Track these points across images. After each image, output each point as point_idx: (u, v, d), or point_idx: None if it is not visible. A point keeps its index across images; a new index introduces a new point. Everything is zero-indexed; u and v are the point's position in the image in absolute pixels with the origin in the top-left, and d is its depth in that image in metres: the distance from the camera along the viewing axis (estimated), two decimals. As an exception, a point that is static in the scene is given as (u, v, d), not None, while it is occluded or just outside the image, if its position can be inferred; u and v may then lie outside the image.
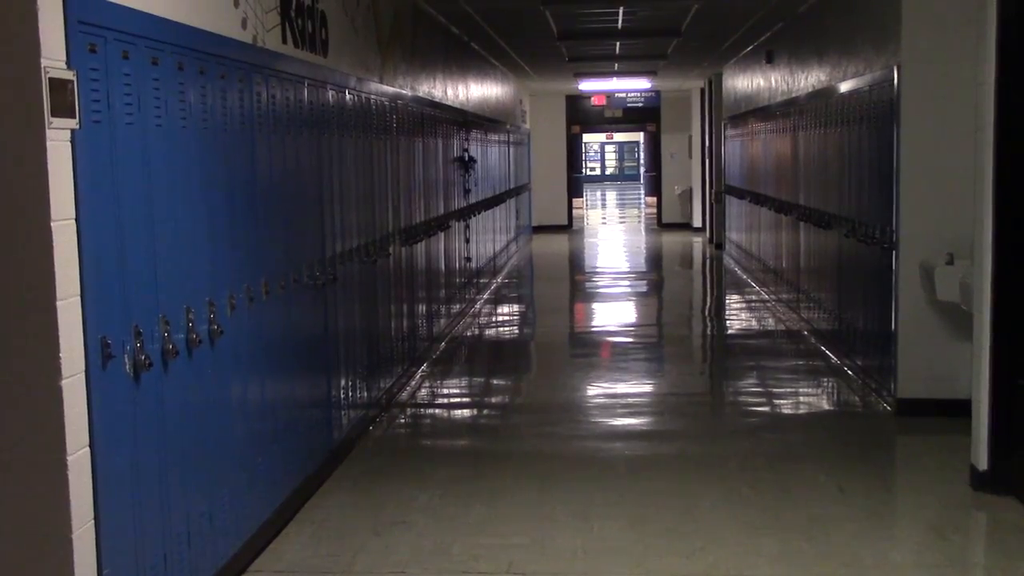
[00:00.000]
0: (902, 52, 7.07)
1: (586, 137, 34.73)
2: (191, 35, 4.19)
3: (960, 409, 5.95)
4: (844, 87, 8.64)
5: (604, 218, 30.49)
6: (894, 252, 7.21)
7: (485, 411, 8.08)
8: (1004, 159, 5.39)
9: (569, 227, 24.32)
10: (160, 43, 3.89)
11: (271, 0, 5.25)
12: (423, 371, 8.90)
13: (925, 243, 7.03)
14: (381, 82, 7.68)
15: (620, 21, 11.39)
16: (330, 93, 6.13)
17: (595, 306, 13.68)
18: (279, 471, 5.19)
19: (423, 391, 8.40)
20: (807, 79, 10.40)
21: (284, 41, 5.44)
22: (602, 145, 50.92)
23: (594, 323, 12.46)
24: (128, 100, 3.65)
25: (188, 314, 4.08)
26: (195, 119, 4.19)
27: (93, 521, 3.44)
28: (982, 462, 5.53)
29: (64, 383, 3.28)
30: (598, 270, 17.80)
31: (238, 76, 4.65)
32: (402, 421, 7.54)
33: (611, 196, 41.72)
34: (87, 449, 3.40)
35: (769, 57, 12.53)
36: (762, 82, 13.35)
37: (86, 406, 3.39)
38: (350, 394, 6.61)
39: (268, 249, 5.06)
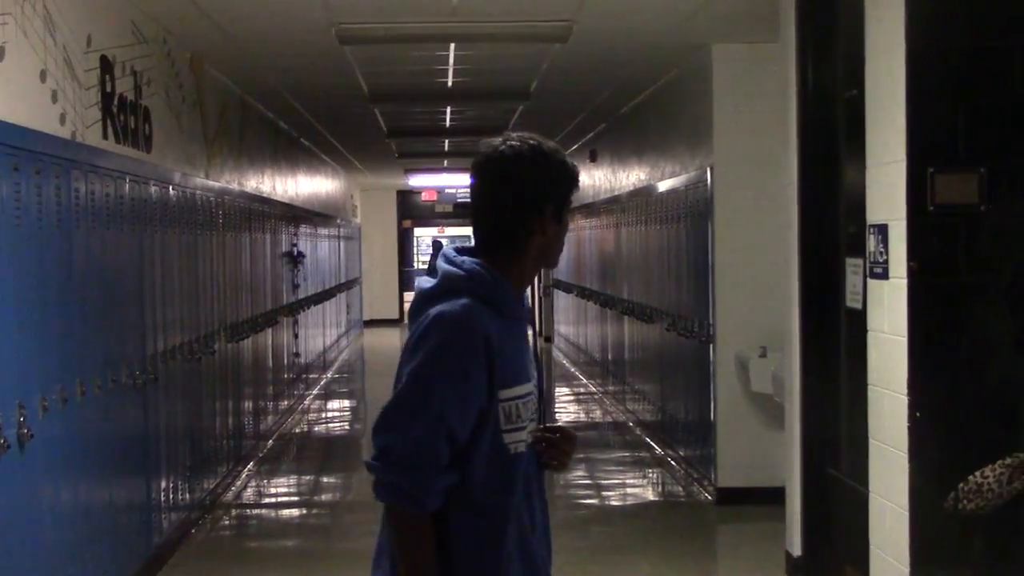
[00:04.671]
0: (714, 154, 7.43)
1: (418, 231, 34.92)
2: (3, 131, 4.10)
3: (777, 497, 6.16)
4: (663, 186, 8.99)
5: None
6: (711, 345, 7.48)
7: (315, 510, 7.94)
8: (808, 256, 5.68)
9: (401, 321, 24.28)
10: (-29, 139, 3.80)
11: (91, 96, 5.18)
12: (250, 470, 8.70)
13: (740, 336, 7.32)
14: (207, 177, 7.61)
15: (448, 119, 11.63)
16: (153, 188, 6.05)
17: (426, 400, 13.64)
18: (94, 579, 4.98)
19: (249, 491, 8.21)
20: (628, 177, 10.78)
21: (105, 137, 5.36)
22: (434, 239, 51.27)
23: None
24: (-65, 197, 3.54)
25: (-4, 417, 3.92)
26: (8, 215, 4.08)
27: None
28: (796, 548, 5.73)
29: None
30: (430, 364, 17.79)
31: (55, 172, 4.56)
32: (227, 523, 7.34)
33: (443, 289, 41.89)
34: None
35: (593, 156, 12.95)
36: (587, 180, 13.75)
37: None
38: (172, 496, 6.42)
39: (85, 348, 4.92)
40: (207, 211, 7.43)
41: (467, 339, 2.30)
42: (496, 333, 2.33)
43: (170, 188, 6.44)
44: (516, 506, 2.38)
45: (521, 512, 2.39)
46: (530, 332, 2.51)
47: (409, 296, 28.23)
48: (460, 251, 2.45)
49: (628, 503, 7.95)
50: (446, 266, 2.41)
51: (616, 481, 8.51)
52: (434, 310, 2.33)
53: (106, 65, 5.38)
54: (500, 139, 2.45)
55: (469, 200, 2.51)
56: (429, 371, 2.29)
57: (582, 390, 13.11)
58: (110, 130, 5.44)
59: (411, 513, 2.31)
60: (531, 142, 2.42)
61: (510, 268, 2.42)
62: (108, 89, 5.42)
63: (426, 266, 53.47)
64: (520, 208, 2.41)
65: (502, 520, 2.36)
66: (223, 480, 7.86)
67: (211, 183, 7.68)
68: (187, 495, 6.79)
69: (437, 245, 21.31)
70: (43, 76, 4.58)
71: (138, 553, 5.71)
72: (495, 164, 2.43)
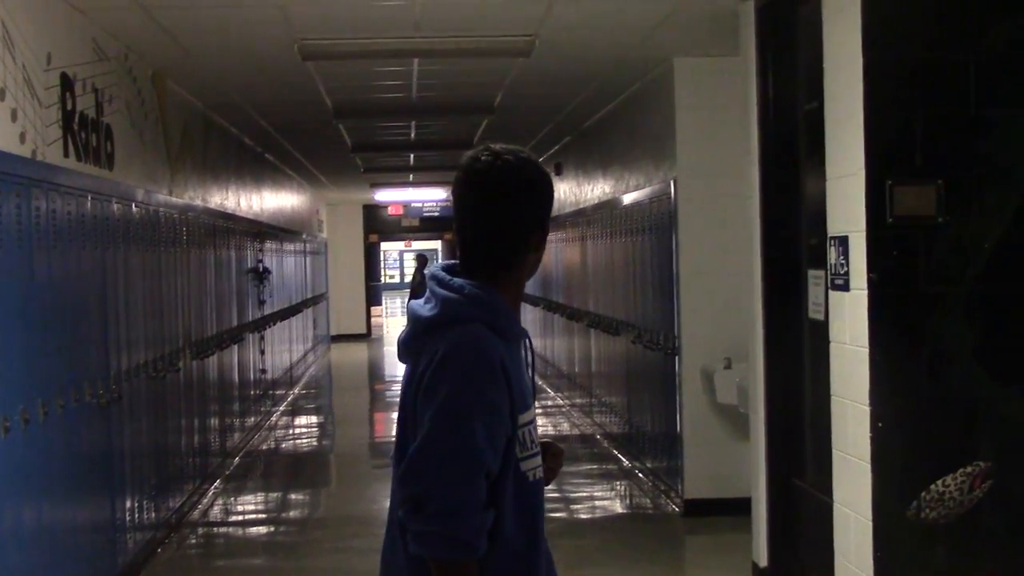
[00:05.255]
0: (678, 167, 7.47)
1: (384, 245, 34.88)
2: (-36, 150, 4.07)
3: (743, 508, 6.19)
4: (627, 199, 9.03)
5: (404, 326, 30.50)
6: (677, 357, 7.51)
7: (283, 527, 7.90)
8: (770, 268, 5.72)
9: (368, 336, 24.24)
10: (-71, 159, 3.77)
11: (52, 114, 5.15)
12: (216, 488, 8.65)
13: (705, 348, 7.36)
14: (170, 194, 7.58)
15: (413, 134, 11.63)
16: (115, 206, 6.02)
17: (395, 415, 13.58)
18: (57, 601, 4.94)
19: (216, 509, 8.15)
20: (593, 190, 10.82)
21: (66, 155, 5.33)
22: (401, 253, 51.19)
23: (394, 432, 12.39)
24: None
25: (-44, 439, 3.88)
26: (-33, 236, 4.05)
27: None
28: (763, 559, 5.76)
29: None
30: (397, 378, 17.76)
31: (15, 191, 4.53)
32: (193, 542, 7.29)
33: (411, 303, 41.73)
34: None
35: (558, 169, 12.99)
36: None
37: None
38: (136, 516, 6.37)
39: (47, 368, 4.87)
40: (171, 228, 7.39)
41: (489, 369, 2.19)
42: (506, 357, 2.25)
43: (133, 205, 6.40)
44: (541, 533, 2.32)
45: (543, 538, 2.34)
46: (524, 354, 2.42)
47: (376, 311, 27.99)
48: (448, 270, 2.33)
49: (597, 516, 7.96)
50: (443, 291, 2.29)
51: (584, 494, 8.52)
52: (445, 343, 2.22)
53: (67, 83, 5.35)
54: (486, 151, 2.33)
55: (459, 216, 2.34)
56: (457, 409, 2.17)
57: (549, 403, 13.11)
58: (71, 148, 5.41)
59: (463, 561, 2.17)
60: (521, 154, 2.33)
61: (508, 287, 2.32)
62: (69, 107, 5.38)
63: (394, 279, 52.80)
64: (525, 224, 2.32)
65: (533, 550, 2.29)
66: (189, 498, 7.81)
67: (175, 200, 7.65)
68: (152, 514, 6.74)
69: (422, 260, 21.19)
70: (2, 95, 4.55)
71: (103, 573, 5.66)
72: (495, 179, 2.30)
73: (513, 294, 2.35)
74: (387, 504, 8.26)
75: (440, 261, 2.89)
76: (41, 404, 4.72)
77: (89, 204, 5.54)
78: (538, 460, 2.32)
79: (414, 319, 2.33)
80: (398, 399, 2.51)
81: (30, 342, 4.69)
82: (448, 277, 2.31)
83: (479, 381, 2.19)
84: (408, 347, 2.33)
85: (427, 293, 2.35)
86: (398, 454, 2.33)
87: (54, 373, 4.97)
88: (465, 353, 2.20)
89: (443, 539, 2.15)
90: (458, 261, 2.38)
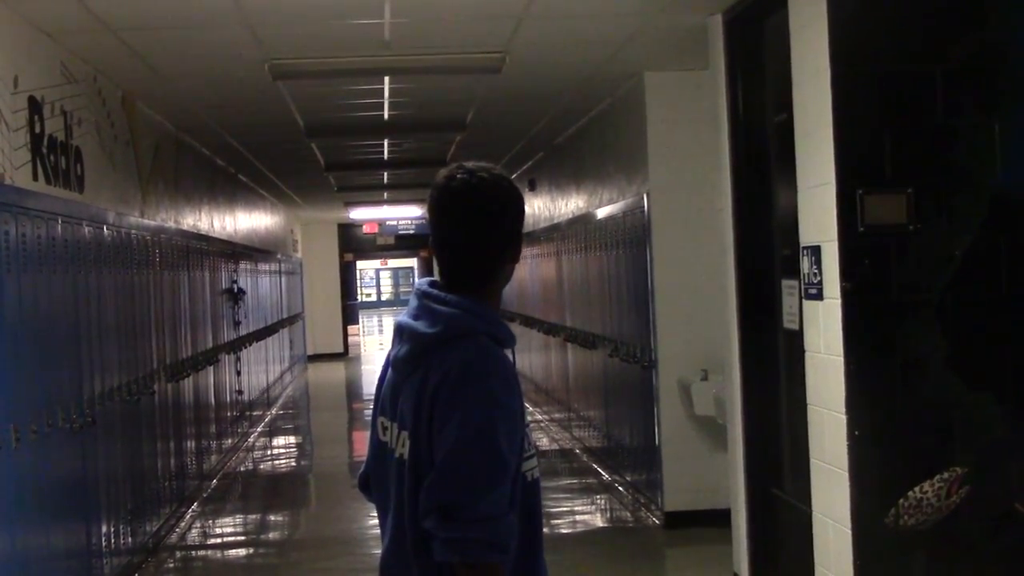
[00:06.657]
0: (650, 180, 7.49)
1: (360, 264, 34.80)
2: (-69, 175, 4.04)
3: (723, 519, 6.19)
4: (601, 213, 9.05)
5: (381, 344, 30.42)
6: (654, 370, 7.51)
7: (262, 549, 7.85)
8: (745, 279, 5.74)
9: (345, 355, 24.15)
10: None
11: (20, 137, 5.12)
12: (194, 511, 8.58)
13: (682, 360, 7.36)
14: (142, 216, 7.54)
15: (386, 152, 11.62)
16: (86, 229, 5.98)
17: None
18: (33, 629, 4.88)
19: (194, 532, 8.09)
20: (567, 205, 10.84)
21: (35, 178, 5.30)
22: (377, 271, 51.14)
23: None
24: None
25: (-73, 467, 3.84)
26: (-64, 261, 4.01)
27: None
28: (743, 569, 5.75)
29: None
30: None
31: (-16, 215, 4.50)
32: (171, 565, 7.23)
33: (388, 321, 41.78)
34: None
35: (532, 185, 13.01)
36: (526, 209, 13.78)
37: None
38: (113, 540, 6.31)
39: (19, 393, 4.83)
40: (143, 250, 7.35)
41: (504, 377, 2.30)
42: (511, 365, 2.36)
43: (104, 228, 6.37)
44: (540, 531, 2.39)
45: (542, 536, 2.42)
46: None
47: (353, 330, 27.85)
48: (434, 287, 2.39)
49: (577, 530, 7.94)
50: (442, 307, 2.34)
51: (565, 508, 8.50)
52: (459, 357, 2.28)
53: (35, 106, 5.32)
54: (460, 170, 2.37)
55: (438, 234, 2.39)
56: (481, 419, 2.24)
57: (528, 418, 13.06)
58: (40, 171, 5.38)
59: (496, 563, 2.23)
60: (494, 171, 2.39)
61: (491, 297, 2.41)
62: (37, 130, 5.35)
63: (371, 297, 52.51)
64: (505, 237, 2.39)
65: (535, 547, 2.36)
66: (166, 522, 7.75)
67: (146, 222, 7.61)
68: (129, 539, 6.68)
69: None
70: (-30, 119, 4.52)
71: (79, 600, 5.61)
72: (475, 197, 2.35)
73: (495, 303, 2.44)
74: (368, 523, 8.23)
75: (421, 278, 2.93)
76: (14, 429, 4.68)
77: (59, 227, 5.50)
78: (535, 461, 2.40)
79: (414, 336, 2.36)
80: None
81: (1, 367, 4.65)
82: (443, 294, 2.37)
83: (498, 390, 2.28)
84: (412, 364, 2.36)
85: (415, 309, 2.39)
86: (412, 471, 2.32)
87: (26, 398, 4.93)
88: (482, 365, 2.29)
89: (481, 543, 2.21)
90: (438, 277, 2.44)
